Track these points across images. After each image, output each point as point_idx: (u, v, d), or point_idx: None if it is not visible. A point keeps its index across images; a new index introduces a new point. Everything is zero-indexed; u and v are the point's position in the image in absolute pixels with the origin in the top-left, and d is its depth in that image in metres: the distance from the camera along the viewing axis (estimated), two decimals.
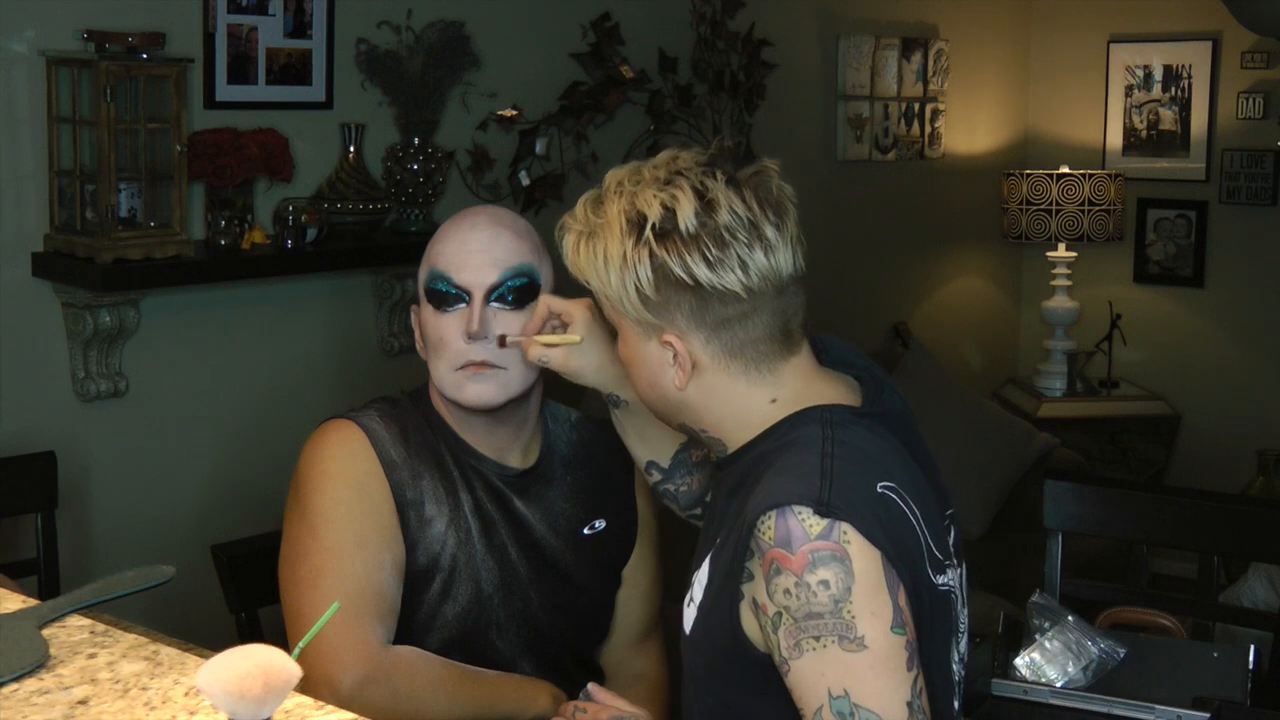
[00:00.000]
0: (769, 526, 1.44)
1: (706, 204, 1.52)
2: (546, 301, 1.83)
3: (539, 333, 1.83)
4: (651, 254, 1.52)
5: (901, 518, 1.50)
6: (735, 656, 1.52)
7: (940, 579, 1.55)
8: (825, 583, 1.41)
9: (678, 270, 1.51)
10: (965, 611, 1.66)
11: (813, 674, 1.42)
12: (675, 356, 1.55)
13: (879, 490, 1.49)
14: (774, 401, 1.57)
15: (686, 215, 1.51)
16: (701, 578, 1.59)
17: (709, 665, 1.57)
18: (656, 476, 1.88)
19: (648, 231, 1.52)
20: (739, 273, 1.51)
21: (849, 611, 1.41)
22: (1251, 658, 2.14)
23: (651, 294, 1.53)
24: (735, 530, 1.51)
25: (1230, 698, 2.02)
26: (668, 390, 1.58)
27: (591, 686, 1.78)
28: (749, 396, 1.57)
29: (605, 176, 1.61)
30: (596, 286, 1.58)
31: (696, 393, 1.57)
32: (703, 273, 1.51)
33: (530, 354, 1.82)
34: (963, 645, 1.65)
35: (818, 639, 1.41)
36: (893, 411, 1.61)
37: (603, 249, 1.55)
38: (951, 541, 1.65)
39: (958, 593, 1.62)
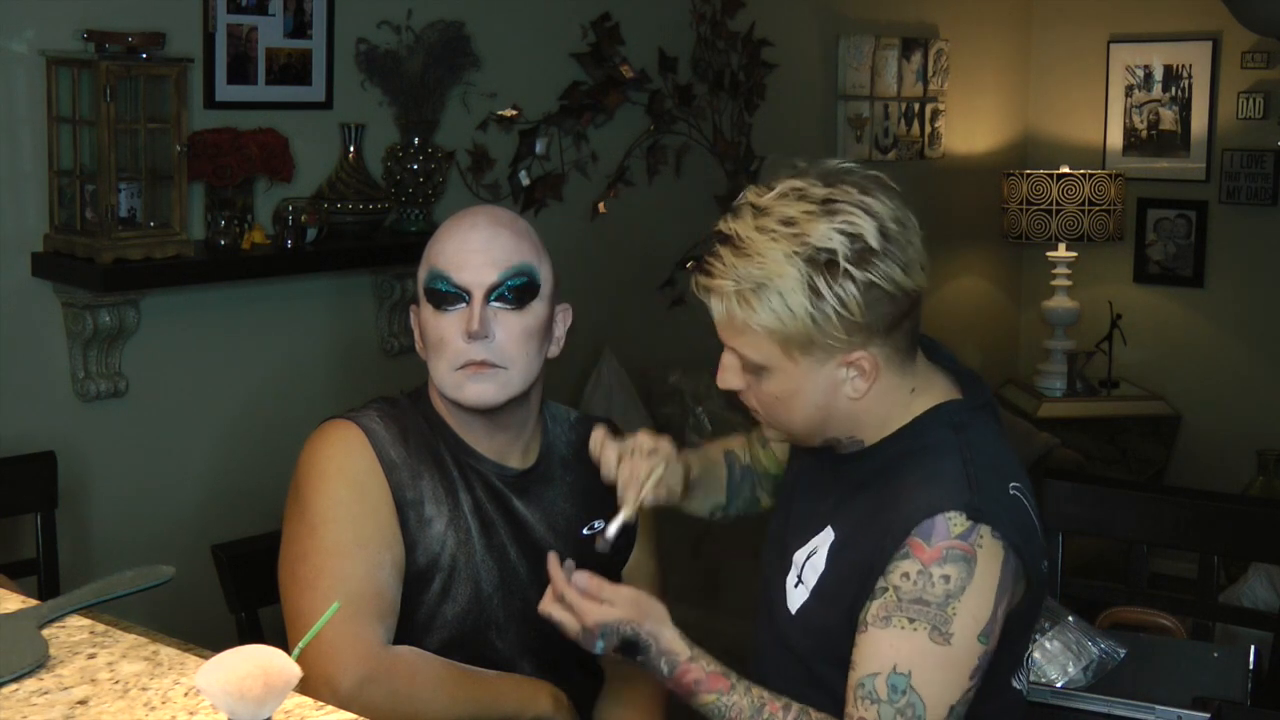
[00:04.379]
0: (919, 526, 1.54)
1: (875, 217, 1.58)
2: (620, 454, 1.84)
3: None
4: (855, 279, 1.56)
5: (1026, 515, 1.60)
6: (844, 635, 1.60)
7: (1044, 563, 1.65)
8: (946, 577, 1.52)
9: (884, 284, 1.57)
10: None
11: (888, 645, 1.52)
12: (862, 369, 1.61)
13: (1010, 493, 1.59)
14: (913, 390, 1.66)
15: (870, 233, 1.56)
16: (816, 564, 1.66)
17: (816, 641, 1.65)
18: (720, 515, 1.98)
19: (843, 262, 1.55)
20: (920, 272, 1.62)
21: (954, 608, 1.52)
22: (1251, 658, 2.14)
23: (859, 315, 1.57)
24: (882, 530, 1.58)
25: (1230, 698, 2.02)
26: (838, 404, 1.63)
27: (579, 574, 1.71)
28: (898, 390, 1.65)
29: (727, 230, 1.60)
30: (776, 330, 1.58)
31: (865, 399, 1.63)
32: (902, 277, 1.59)
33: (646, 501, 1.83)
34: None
35: (912, 621, 1.52)
36: (991, 401, 1.72)
37: (777, 294, 1.56)
38: None
39: (1047, 567, 1.71)
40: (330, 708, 1.36)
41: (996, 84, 5.36)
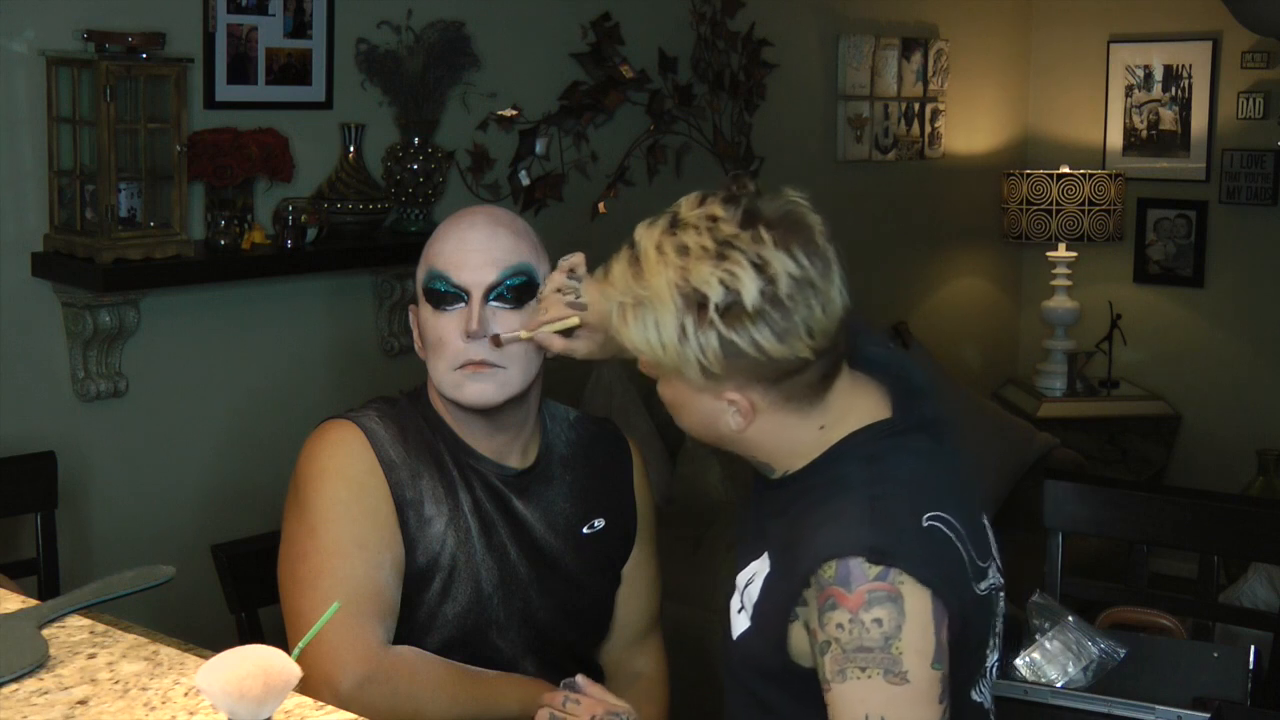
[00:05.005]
0: (830, 568, 1.50)
1: (766, 277, 1.50)
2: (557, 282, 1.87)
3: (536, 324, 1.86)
4: (718, 332, 1.51)
5: (947, 545, 1.55)
6: (781, 667, 1.59)
7: (981, 585, 1.61)
8: (879, 620, 1.48)
9: (747, 348, 1.51)
10: (1001, 595, 1.71)
11: (854, 699, 1.49)
12: (736, 407, 1.58)
13: (925, 524, 1.54)
14: (822, 428, 1.61)
15: (750, 293, 1.50)
16: (752, 594, 1.63)
17: (756, 668, 1.63)
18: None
19: (711, 311, 1.50)
20: (805, 339, 1.52)
21: (898, 648, 1.48)
22: (1251, 658, 2.14)
23: (717, 368, 1.53)
24: (790, 566, 1.56)
25: (1230, 698, 2.02)
26: (723, 431, 1.61)
27: (579, 678, 1.80)
28: (801, 428, 1.60)
29: (637, 236, 1.58)
30: (646, 353, 1.57)
31: (752, 432, 1.60)
32: (772, 344, 1.51)
33: (540, 340, 1.86)
34: (997, 626, 1.70)
35: (864, 670, 1.48)
36: (923, 419, 1.64)
37: (653, 321, 1.54)
38: (986, 526, 1.70)
39: (998, 584, 1.67)
40: (330, 708, 1.36)
41: (996, 84, 5.36)
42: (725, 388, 1.56)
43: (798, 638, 1.56)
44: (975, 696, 1.65)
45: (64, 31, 2.70)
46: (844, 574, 1.49)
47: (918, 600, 1.49)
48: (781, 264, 1.50)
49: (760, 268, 1.50)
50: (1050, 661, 2.09)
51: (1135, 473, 4.98)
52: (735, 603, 1.67)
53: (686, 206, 1.57)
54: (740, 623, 1.65)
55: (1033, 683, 2.07)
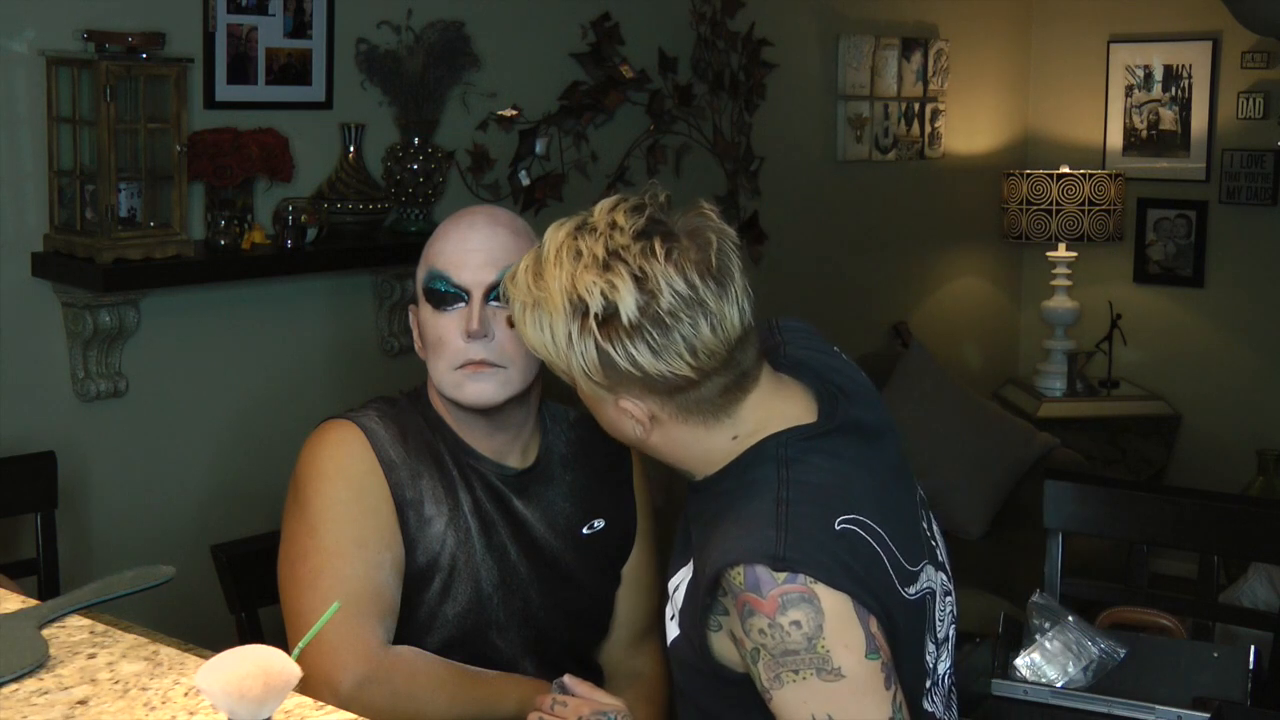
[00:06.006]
0: (738, 573, 1.48)
1: (646, 292, 1.48)
2: None
3: None
4: (596, 343, 1.50)
5: (864, 549, 1.52)
6: (712, 675, 1.57)
7: (911, 589, 1.58)
8: (797, 623, 1.45)
9: (622, 361, 1.50)
10: (949, 600, 1.69)
11: (795, 702, 1.47)
12: (632, 417, 1.57)
13: (838, 528, 1.50)
14: (735, 438, 1.59)
15: (627, 306, 1.48)
16: (678, 600, 1.63)
17: (691, 678, 1.62)
18: None
19: (590, 321, 1.50)
20: (686, 357, 1.50)
21: (823, 646, 1.45)
22: (1251, 658, 2.14)
23: (598, 377, 1.53)
24: (703, 569, 1.54)
25: (1230, 698, 2.02)
26: (629, 437, 1.61)
27: (567, 678, 1.80)
28: (710, 439, 1.59)
29: (545, 236, 1.58)
30: (542, 355, 1.58)
31: (659, 439, 1.59)
32: (648, 361, 1.50)
33: None
34: (941, 632, 1.67)
35: (796, 672, 1.46)
36: (849, 422, 1.61)
37: (548, 324, 1.54)
38: (927, 527, 1.67)
39: (935, 588, 1.64)
40: (330, 708, 1.36)
41: (996, 84, 5.36)
42: (618, 396, 1.55)
43: (722, 646, 1.55)
44: (927, 706, 1.63)
45: (64, 31, 2.70)
46: (753, 580, 1.47)
47: (834, 598, 1.46)
48: (666, 280, 1.48)
49: (641, 281, 1.49)
50: (1050, 661, 2.09)
51: (1135, 473, 4.98)
52: (668, 610, 1.66)
53: (599, 210, 1.56)
54: (672, 630, 1.64)
55: (1033, 683, 2.08)
